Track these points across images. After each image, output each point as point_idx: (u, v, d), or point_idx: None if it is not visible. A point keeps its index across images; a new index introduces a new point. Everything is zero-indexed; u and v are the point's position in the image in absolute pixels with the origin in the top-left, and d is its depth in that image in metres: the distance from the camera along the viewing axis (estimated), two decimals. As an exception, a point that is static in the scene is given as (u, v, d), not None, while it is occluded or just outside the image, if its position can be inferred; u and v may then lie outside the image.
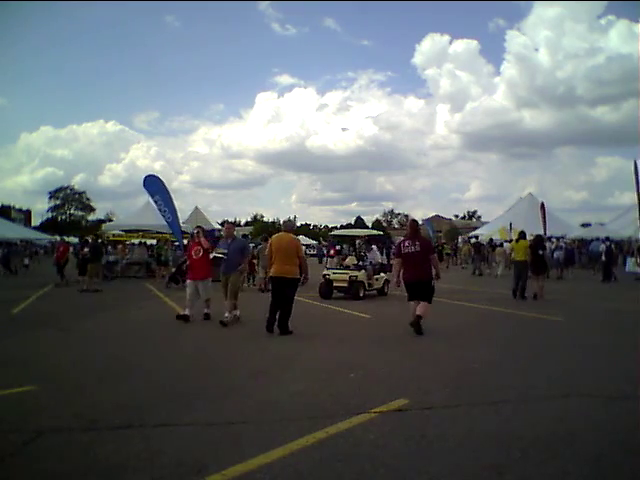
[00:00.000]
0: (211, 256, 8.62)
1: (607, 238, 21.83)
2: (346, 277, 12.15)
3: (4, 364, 5.53)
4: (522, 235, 13.11)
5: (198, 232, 9.19)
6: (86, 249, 15.20)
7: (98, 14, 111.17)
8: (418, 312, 7.26)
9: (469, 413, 3.90)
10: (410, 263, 7.50)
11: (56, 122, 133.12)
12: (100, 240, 20.01)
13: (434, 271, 7.53)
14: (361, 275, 12.24)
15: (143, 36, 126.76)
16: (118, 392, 4.47)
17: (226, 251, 8.29)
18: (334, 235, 19.90)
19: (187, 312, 8.43)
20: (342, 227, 64.39)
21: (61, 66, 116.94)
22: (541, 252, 12.43)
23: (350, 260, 13.47)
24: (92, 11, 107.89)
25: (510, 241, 20.64)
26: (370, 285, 12.55)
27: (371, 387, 4.60)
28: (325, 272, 12.78)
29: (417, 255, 7.41)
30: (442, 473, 2.87)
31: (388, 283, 13.12)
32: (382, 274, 13.34)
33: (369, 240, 15.55)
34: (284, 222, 8.64)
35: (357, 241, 18.51)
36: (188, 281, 8.84)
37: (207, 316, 8.63)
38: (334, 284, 12.31)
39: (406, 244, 7.58)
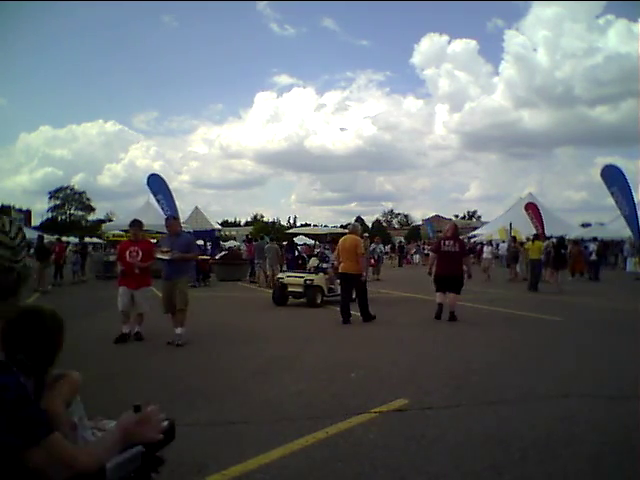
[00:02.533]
0: (157, 256, 6.95)
1: (595, 239, 22.28)
2: (301, 281, 10.63)
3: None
4: (537, 237, 15.70)
5: (135, 231, 7.24)
6: (31, 250, 14.70)
7: (97, 14, 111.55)
8: (450, 307, 8.49)
9: (469, 413, 3.90)
10: (447, 259, 8.68)
11: (55, 122, 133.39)
12: (84, 239, 19.47)
13: (465, 268, 8.78)
14: (318, 279, 10.70)
15: (142, 36, 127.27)
16: (118, 392, 4.47)
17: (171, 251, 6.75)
18: (290, 234, 18.39)
19: (125, 330, 6.85)
20: (342, 227, 64.34)
21: (60, 66, 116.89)
22: (563, 251, 14.17)
23: (312, 262, 12.05)
24: (90, 11, 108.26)
25: (523, 243, 21.03)
26: (331, 290, 11.08)
27: (371, 387, 4.60)
28: (279, 275, 11.59)
29: (455, 254, 8.66)
30: (442, 473, 2.87)
31: None
32: None
33: (335, 239, 13.97)
34: (349, 226, 9.58)
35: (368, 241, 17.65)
36: (121, 289, 6.98)
37: (139, 335, 6.93)
38: (288, 289, 10.85)
39: (446, 243, 8.80)
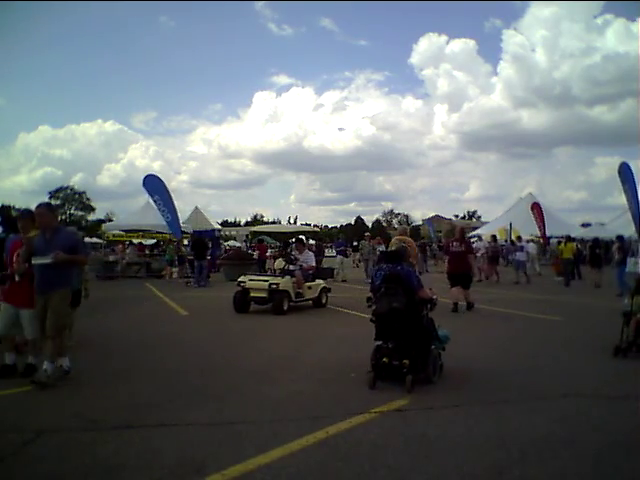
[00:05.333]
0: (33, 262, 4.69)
1: (573, 239, 22.74)
2: (265, 285, 9.45)
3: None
4: (569, 239, 17.57)
5: (25, 223, 4.97)
6: None
7: (96, 14, 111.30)
8: (465, 299, 9.69)
9: (469, 413, 3.90)
10: (456, 259, 10.06)
11: (54, 122, 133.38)
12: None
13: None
14: (284, 283, 9.50)
15: (140, 36, 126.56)
16: (118, 392, 4.47)
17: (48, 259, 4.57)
18: (254, 232, 18.10)
19: (30, 360, 4.95)
20: (342, 227, 64.44)
21: (59, 66, 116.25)
22: (598, 251, 15.74)
23: (278, 263, 10.89)
24: (90, 11, 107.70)
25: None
26: (299, 295, 9.86)
27: (371, 387, 4.60)
28: (241, 279, 9.96)
29: (462, 253, 9.99)
30: (442, 473, 2.87)
31: (328, 292, 10.76)
32: (319, 281, 10.64)
33: (300, 240, 12.32)
34: (399, 228, 11.03)
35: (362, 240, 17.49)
36: (4, 305, 5.01)
37: (33, 369, 4.82)
38: (251, 294, 9.56)
39: (454, 244, 10.14)
